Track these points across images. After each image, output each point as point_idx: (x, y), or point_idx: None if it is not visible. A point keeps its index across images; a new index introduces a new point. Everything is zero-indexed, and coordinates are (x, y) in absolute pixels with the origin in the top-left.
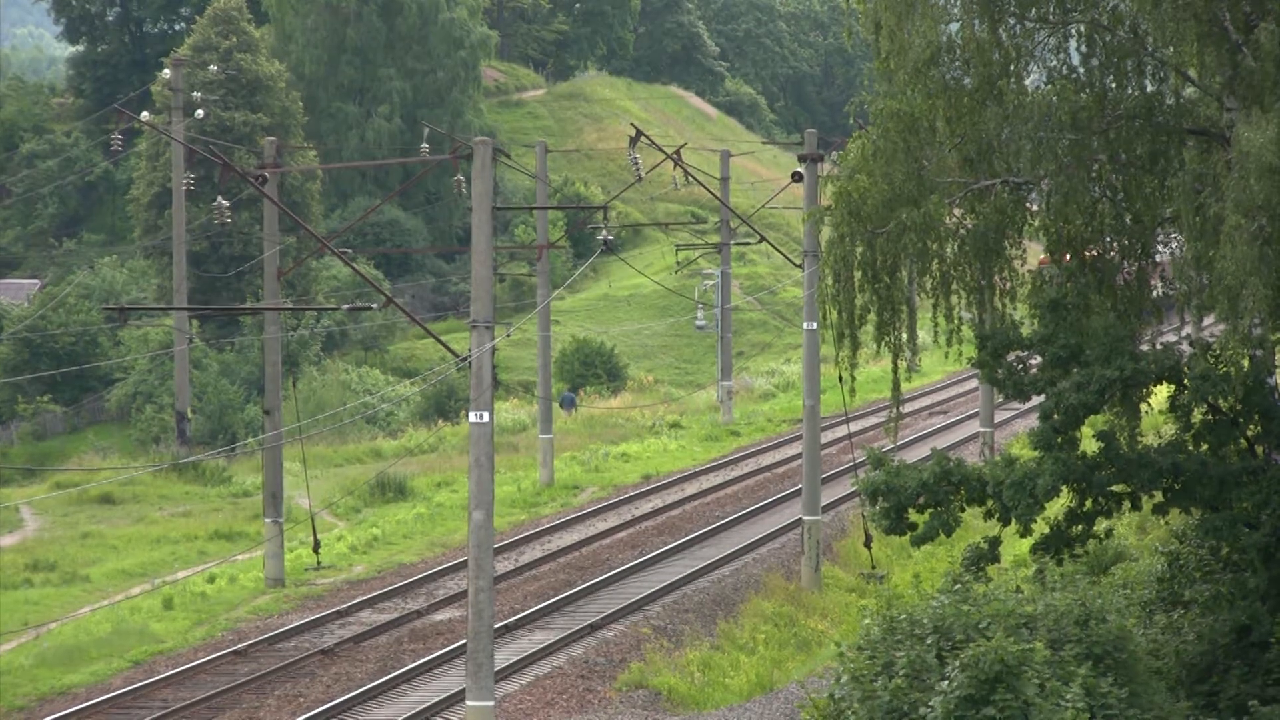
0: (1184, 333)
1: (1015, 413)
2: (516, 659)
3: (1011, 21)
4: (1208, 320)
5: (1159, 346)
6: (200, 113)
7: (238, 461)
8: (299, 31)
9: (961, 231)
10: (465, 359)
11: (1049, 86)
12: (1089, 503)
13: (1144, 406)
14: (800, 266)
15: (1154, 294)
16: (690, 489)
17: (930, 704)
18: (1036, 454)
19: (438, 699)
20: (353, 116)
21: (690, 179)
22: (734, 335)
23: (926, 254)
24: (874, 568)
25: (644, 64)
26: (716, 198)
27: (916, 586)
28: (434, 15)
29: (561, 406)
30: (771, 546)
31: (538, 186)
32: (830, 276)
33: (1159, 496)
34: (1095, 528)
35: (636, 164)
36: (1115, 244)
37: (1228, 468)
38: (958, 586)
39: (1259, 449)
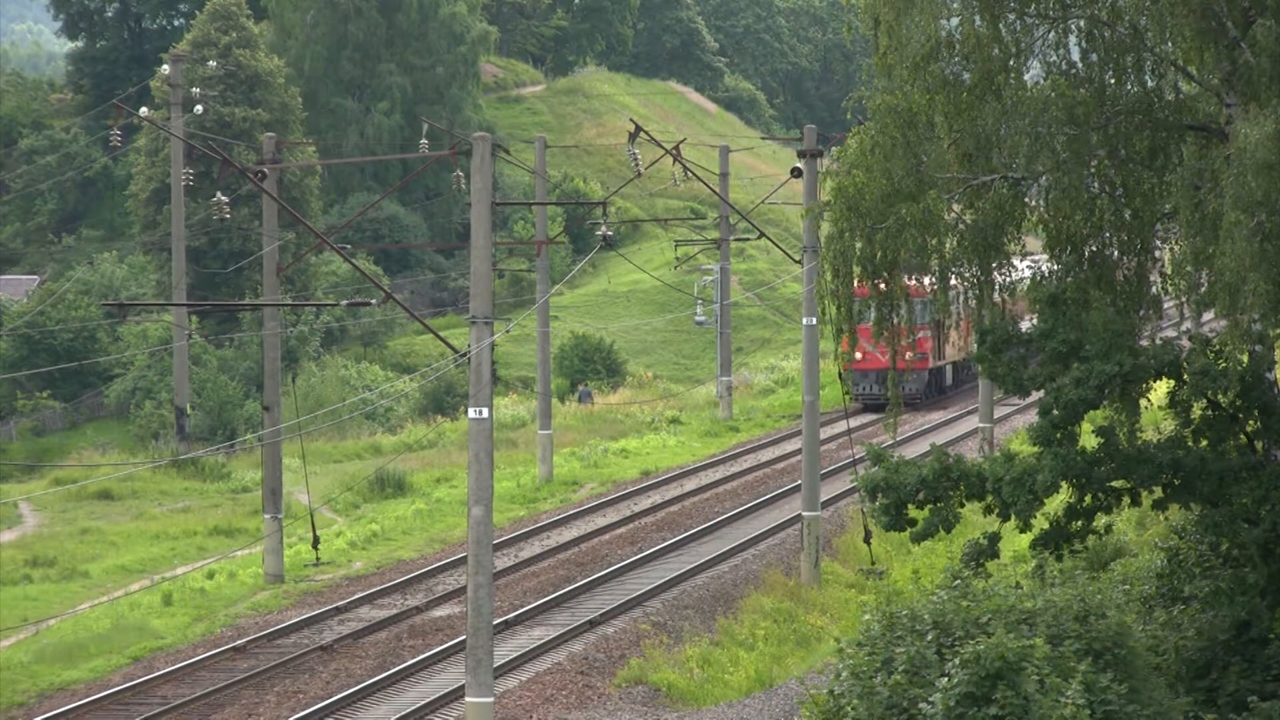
0: (1183, 328)
1: (1015, 408)
2: (516, 655)
3: (1011, 17)
4: (1207, 315)
5: (1158, 342)
6: (199, 108)
7: (237, 457)
8: (298, 27)
9: (960, 227)
10: (464, 355)
11: (1046, 82)
12: (1088, 498)
13: (1144, 402)
14: (799, 262)
15: (1153, 290)
16: (689, 485)
17: (930, 700)
18: (1036, 450)
19: (437, 695)
20: (352, 112)
21: (689, 175)
22: (733, 331)
23: (925, 249)
24: (874, 564)
25: (643, 60)
26: (716, 193)
27: (916, 582)
28: (434, 11)
29: (580, 400)
30: (771, 542)
31: (537, 182)
32: (829, 272)
33: (1158, 492)
34: (1095, 523)
35: (635, 160)
36: (1114, 239)
37: (1227, 463)
38: (957, 582)
39: (1258, 444)
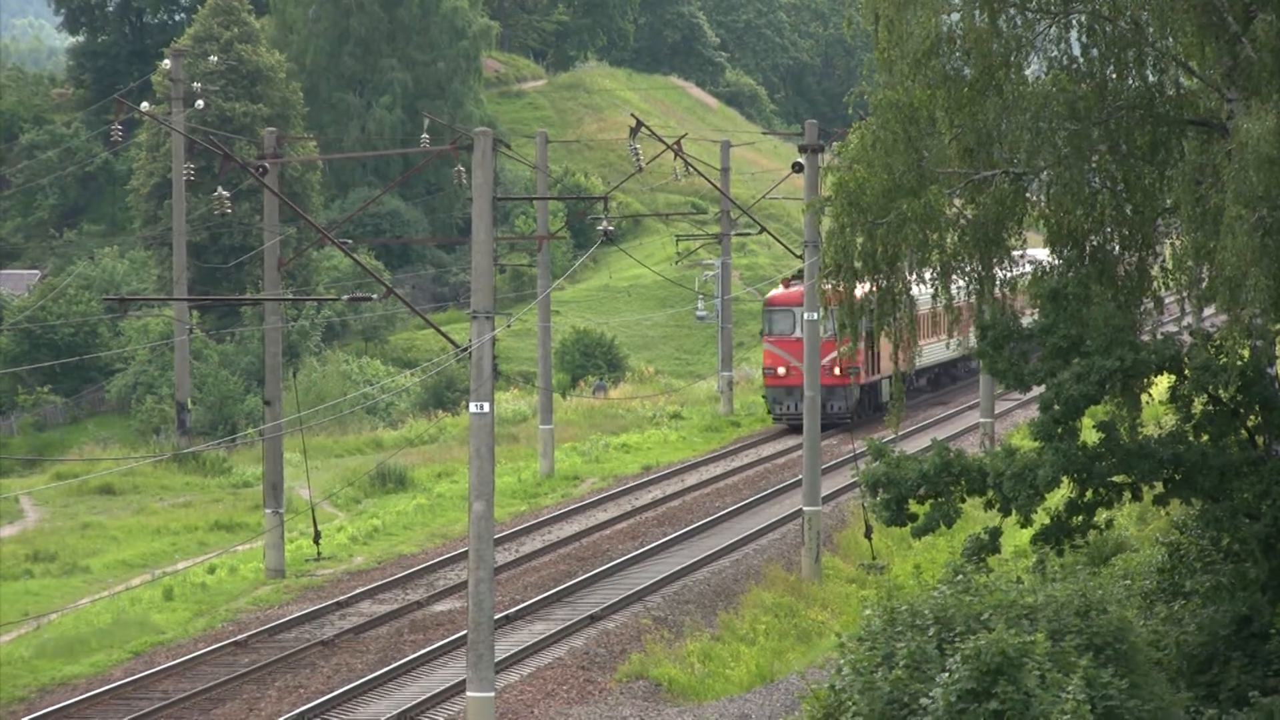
0: (1184, 323)
1: (1016, 403)
2: (517, 650)
3: (1012, 12)
4: (1208, 310)
5: (1159, 337)
6: (200, 103)
7: (238, 452)
8: (300, 22)
9: (961, 222)
10: (465, 349)
11: (1047, 77)
12: (1089, 493)
13: (1145, 397)
14: (801, 257)
15: (1154, 285)
16: (690, 480)
17: (931, 695)
18: (1037, 445)
19: (438, 690)
20: (353, 107)
21: (690, 169)
22: (734, 326)
23: (926, 244)
24: (874, 558)
25: (644, 54)
26: (717, 188)
27: (917, 577)
28: (435, 5)
29: (594, 393)
30: (772, 537)
31: (538, 177)
32: (831, 267)
33: (1159, 487)
34: (1096, 518)
35: (637, 154)
36: (1115, 234)
37: (1228, 458)
38: (959, 577)
39: (1259, 439)
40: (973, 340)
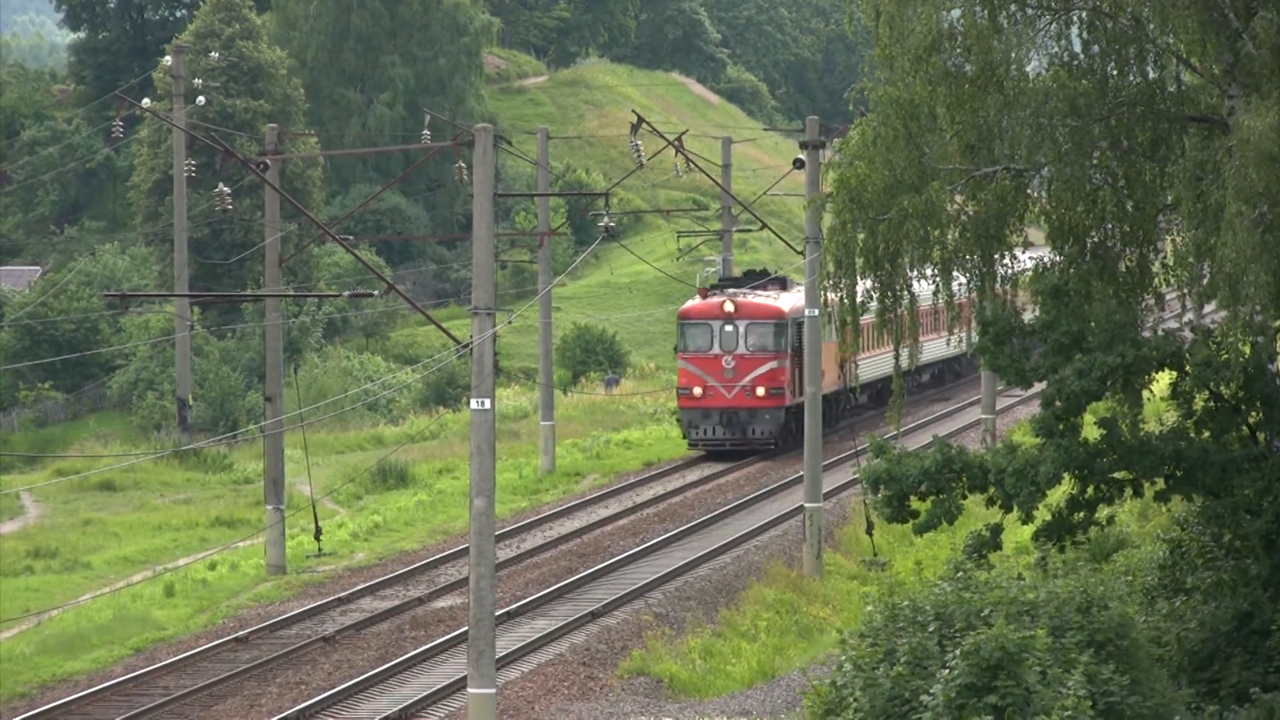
0: (1185, 319)
1: (1017, 399)
2: (518, 646)
3: (1013, 8)
4: (1209, 307)
5: (1161, 333)
6: (202, 99)
7: (239, 448)
8: (301, 18)
9: (963, 218)
10: (467, 346)
11: (1048, 73)
12: (1091, 490)
13: (1146, 393)
14: (802, 253)
15: (1155, 281)
16: (691, 476)
17: (932, 691)
18: (1038, 441)
19: (439, 686)
20: (355, 103)
21: (692, 166)
22: None
23: (928, 241)
24: (876, 555)
25: (645, 51)
26: (718, 184)
27: (918, 574)
28: (436, 2)
29: (606, 387)
30: (773, 534)
31: (539, 173)
32: (832, 263)
33: (1161, 483)
34: (1097, 515)
35: (638, 151)
36: (1117, 231)
37: (1229, 455)
38: (960, 574)
39: (1260, 436)
40: (923, 351)
